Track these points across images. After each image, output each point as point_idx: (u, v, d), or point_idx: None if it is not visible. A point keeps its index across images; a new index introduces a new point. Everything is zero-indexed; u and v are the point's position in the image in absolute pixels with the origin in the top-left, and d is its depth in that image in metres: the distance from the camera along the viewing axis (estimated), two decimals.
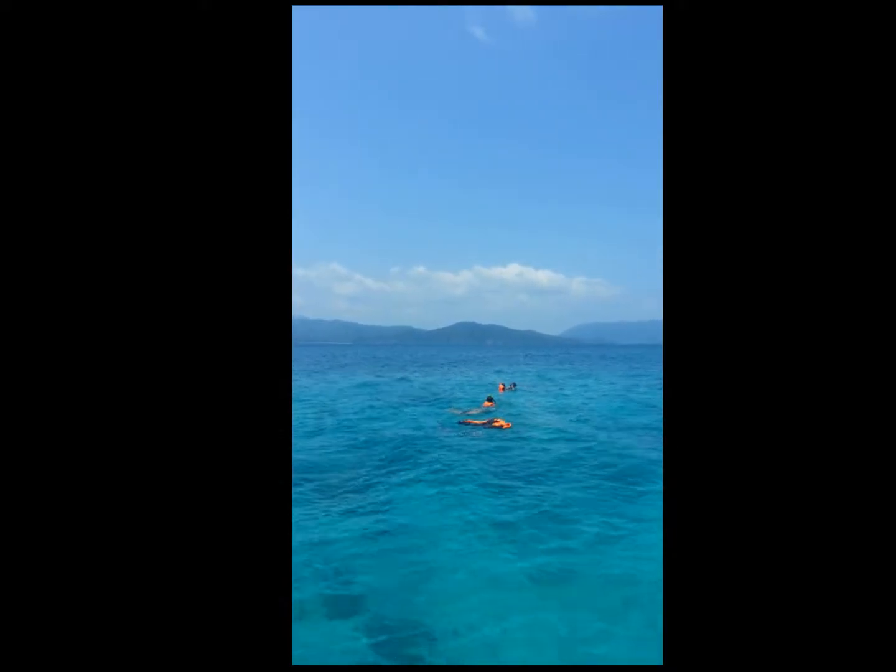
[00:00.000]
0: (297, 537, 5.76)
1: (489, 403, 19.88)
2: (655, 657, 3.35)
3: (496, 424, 15.81)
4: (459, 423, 16.60)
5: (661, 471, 12.54)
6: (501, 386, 28.72)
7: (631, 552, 6.83)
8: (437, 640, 4.27)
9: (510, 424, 15.95)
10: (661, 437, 17.02)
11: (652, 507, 9.06)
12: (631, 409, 22.23)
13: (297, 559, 5.05)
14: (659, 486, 10.64)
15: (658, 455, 13.95)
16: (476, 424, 16.15)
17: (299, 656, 3.40)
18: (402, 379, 34.37)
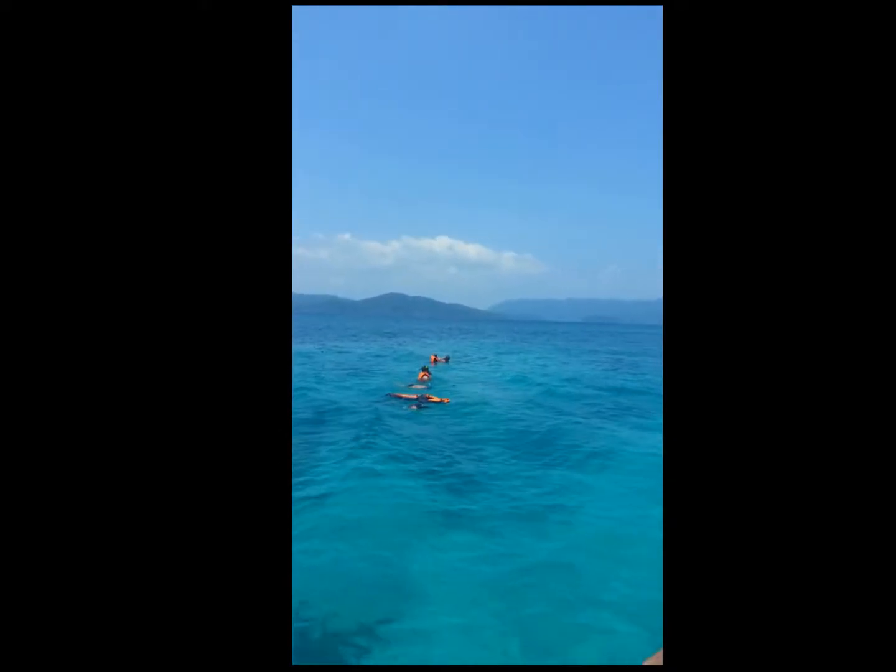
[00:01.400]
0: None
1: (425, 375, 19.70)
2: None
3: (432, 400, 15.64)
4: (388, 395, 16.26)
5: (599, 433, 12.88)
6: (433, 357, 28.47)
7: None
8: None
9: (448, 399, 15.84)
10: (594, 404, 17.39)
11: (586, 473, 9.52)
12: (561, 382, 22.71)
13: None
14: (599, 450, 11.03)
15: (597, 420, 14.36)
16: (407, 399, 15.90)
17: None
18: (336, 349, 34.25)
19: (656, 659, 1.33)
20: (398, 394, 16.48)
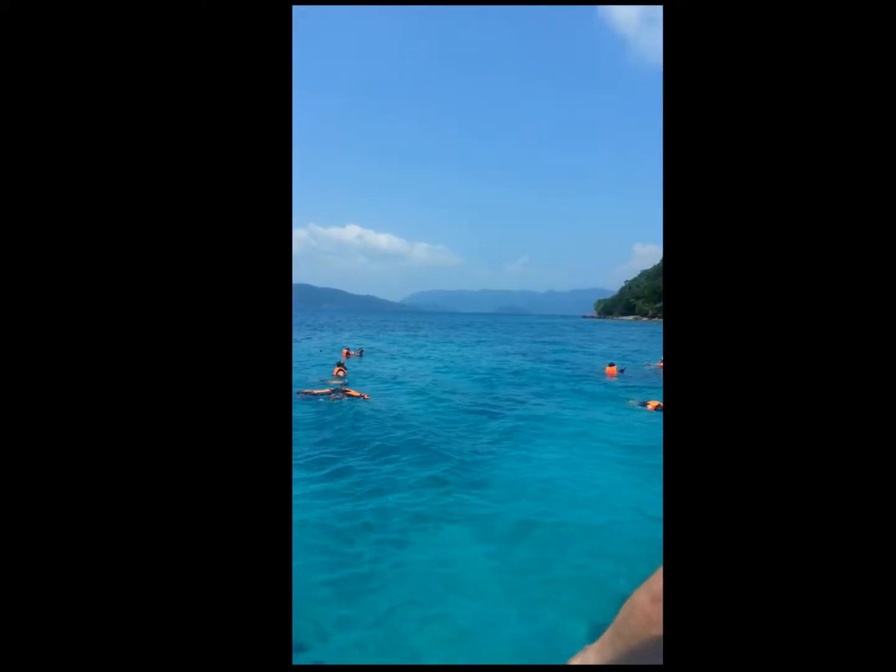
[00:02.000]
0: None
1: (340, 371, 19.43)
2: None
3: (350, 393, 15.45)
4: (298, 392, 15.95)
5: (529, 426, 13.44)
6: (346, 352, 28.06)
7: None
8: None
9: (368, 396, 15.72)
10: (517, 394, 17.85)
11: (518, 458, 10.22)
12: (482, 374, 23.18)
13: None
14: (530, 445, 11.62)
15: (522, 411, 14.86)
16: (321, 393, 15.62)
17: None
18: None
19: (656, 580, 1.29)
20: (310, 390, 16.19)
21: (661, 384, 26.99)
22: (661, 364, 35.53)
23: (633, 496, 9.88)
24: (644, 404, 19.74)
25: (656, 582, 1.29)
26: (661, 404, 19.20)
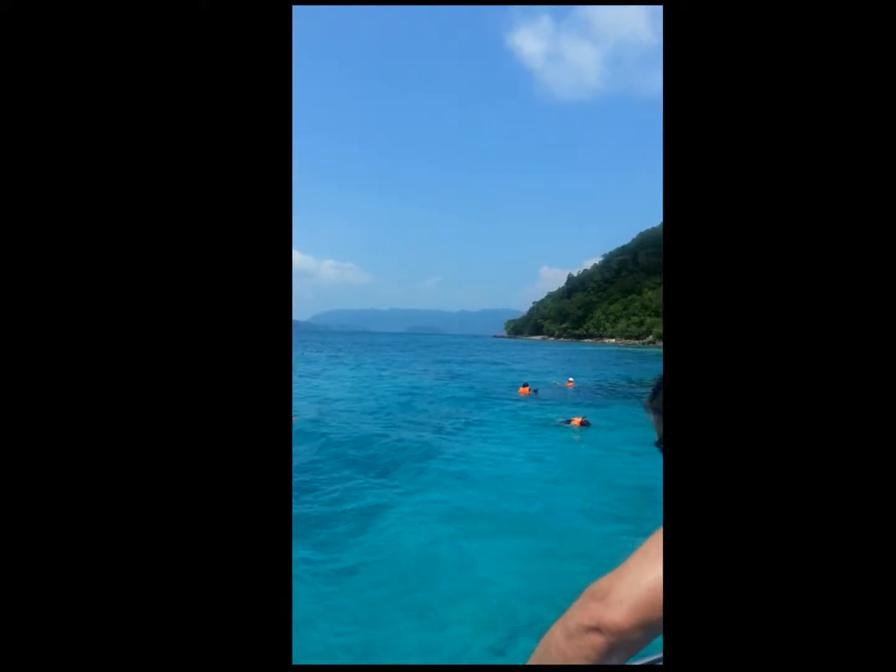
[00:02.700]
0: None
1: None
2: None
3: None
4: None
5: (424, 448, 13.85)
6: None
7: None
8: None
9: (295, 417, 15.59)
10: (425, 415, 18.14)
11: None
12: (395, 394, 23.44)
13: None
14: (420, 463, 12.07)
15: (426, 433, 15.26)
16: None
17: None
18: None
19: (570, 616, 1.30)
20: None
21: (572, 401, 28.07)
22: (568, 384, 37.19)
23: (576, 498, 10.72)
24: (568, 421, 20.96)
25: (570, 618, 1.29)
26: (584, 420, 20.41)
